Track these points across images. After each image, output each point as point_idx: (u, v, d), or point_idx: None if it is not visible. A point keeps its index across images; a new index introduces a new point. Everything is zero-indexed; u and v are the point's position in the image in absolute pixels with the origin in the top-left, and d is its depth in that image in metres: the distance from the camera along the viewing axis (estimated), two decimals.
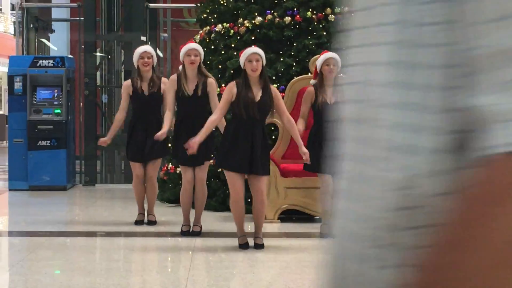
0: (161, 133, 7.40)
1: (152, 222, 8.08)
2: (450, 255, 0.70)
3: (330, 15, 9.23)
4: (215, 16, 9.93)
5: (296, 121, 7.11)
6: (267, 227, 8.08)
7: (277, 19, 9.30)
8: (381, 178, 0.81)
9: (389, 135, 0.80)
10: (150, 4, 12.39)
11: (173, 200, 9.63)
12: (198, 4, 10.73)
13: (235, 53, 8.80)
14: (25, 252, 6.90)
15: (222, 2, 9.81)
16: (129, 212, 9.09)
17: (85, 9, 12.28)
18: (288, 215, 8.37)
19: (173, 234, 7.77)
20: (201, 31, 10.25)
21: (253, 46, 7.03)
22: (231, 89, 6.76)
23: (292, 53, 9.13)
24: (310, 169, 7.47)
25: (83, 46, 12.44)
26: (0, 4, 36.57)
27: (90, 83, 12.09)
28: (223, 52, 9.41)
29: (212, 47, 9.62)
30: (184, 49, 7.45)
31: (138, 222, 8.15)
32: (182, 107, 7.50)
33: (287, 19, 9.24)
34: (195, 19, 11.14)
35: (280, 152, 8.51)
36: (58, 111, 11.18)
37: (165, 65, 13.82)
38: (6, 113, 16.50)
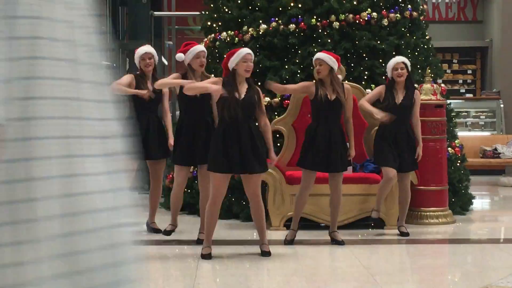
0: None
1: (156, 230, 8.04)
2: None
3: (334, 22, 9.24)
4: (220, 24, 9.94)
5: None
6: (273, 235, 8.07)
7: (282, 26, 9.30)
8: None
9: None
10: (155, 13, 12.42)
11: None
12: (203, 12, 10.74)
13: None
14: None
15: (226, 10, 9.82)
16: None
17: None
18: None
19: (179, 242, 7.77)
20: (205, 39, 10.26)
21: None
22: (216, 81, 6.82)
23: (297, 61, 9.13)
24: (301, 164, 7.50)
25: None
26: None
27: None
28: None
29: (217, 55, 9.64)
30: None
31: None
32: (184, 108, 7.52)
33: (292, 26, 9.25)
34: (199, 27, 11.15)
35: (285, 160, 8.51)
36: None
37: (170, 72, 13.81)
38: None
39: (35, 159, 0.72)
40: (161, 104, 8.15)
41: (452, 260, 7.41)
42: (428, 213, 8.78)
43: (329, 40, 9.20)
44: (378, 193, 8.07)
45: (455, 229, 8.67)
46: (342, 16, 9.26)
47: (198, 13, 11.79)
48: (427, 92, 8.83)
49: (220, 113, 6.75)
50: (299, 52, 9.18)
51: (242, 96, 6.68)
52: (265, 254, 6.94)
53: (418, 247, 7.72)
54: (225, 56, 7.07)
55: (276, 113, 8.99)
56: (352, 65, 9.21)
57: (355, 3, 9.35)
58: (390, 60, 8.15)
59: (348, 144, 7.53)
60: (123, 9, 12.68)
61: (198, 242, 7.44)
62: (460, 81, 18.96)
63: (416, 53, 9.62)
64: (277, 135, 8.85)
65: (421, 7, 10.04)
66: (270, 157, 6.88)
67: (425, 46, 9.85)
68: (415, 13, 9.75)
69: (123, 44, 12.88)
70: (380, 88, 8.16)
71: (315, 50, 8.67)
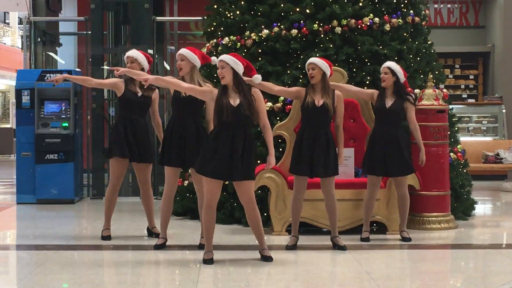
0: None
1: (158, 235, 8.02)
2: None
3: (336, 28, 9.24)
4: (222, 29, 9.95)
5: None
6: (275, 240, 8.07)
7: (284, 31, 9.31)
8: None
9: None
10: (157, 18, 12.42)
11: (181, 213, 9.64)
12: (205, 17, 10.75)
13: None
14: (33, 266, 6.90)
15: (228, 15, 9.83)
16: (137, 225, 9.10)
17: (93, 22, 12.32)
18: None
19: (181, 247, 7.77)
20: (208, 44, 10.28)
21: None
22: (212, 89, 6.96)
23: (299, 66, 9.13)
24: (293, 171, 7.54)
25: (90, 60, 12.47)
26: (7, 18, 36.73)
27: (98, 97, 12.12)
28: None
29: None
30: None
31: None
32: (175, 110, 7.53)
33: (294, 31, 9.26)
34: (202, 32, 11.15)
35: (287, 165, 8.50)
36: (66, 124, 11.21)
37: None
38: (14, 127, 16.52)
39: None
40: (151, 109, 8.16)
41: (454, 266, 7.40)
42: (430, 218, 8.77)
43: (331, 45, 9.20)
44: (364, 211, 8.15)
45: (457, 234, 8.66)
46: (344, 21, 9.26)
47: (200, 18, 11.82)
48: (429, 97, 8.83)
49: (214, 119, 6.82)
50: (301, 57, 9.18)
51: (236, 103, 6.70)
52: (266, 259, 6.94)
53: (420, 252, 7.71)
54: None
55: (278, 118, 8.99)
56: (354, 70, 9.21)
57: (357, 8, 9.35)
58: None
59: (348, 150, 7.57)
60: (125, 14, 12.66)
61: (200, 247, 7.45)
62: (462, 86, 18.96)
63: (418, 58, 9.62)
64: (279, 140, 8.85)
65: (423, 12, 10.04)
66: (267, 161, 6.88)
67: (427, 51, 9.85)
68: (417, 18, 9.75)
69: (125, 49, 12.87)
70: (374, 91, 8.22)
71: (317, 55, 8.67)
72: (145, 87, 7.91)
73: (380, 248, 7.84)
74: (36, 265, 6.93)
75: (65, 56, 16.07)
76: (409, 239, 8.05)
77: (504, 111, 15.69)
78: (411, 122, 8.05)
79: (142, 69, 8.03)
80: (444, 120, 8.89)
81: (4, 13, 36.19)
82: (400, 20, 9.50)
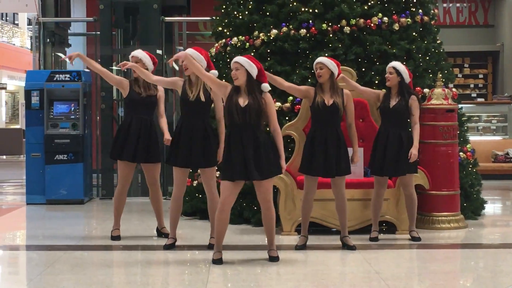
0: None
1: (167, 235, 8.02)
2: None
3: (345, 27, 9.23)
4: (231, 29, 9.95)
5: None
6: (284, 240, 8.07)
7: (292, 31, 9.30)
8: None
9: None
10: (166, 18, 12.43)
11: (190, 213, 9.65)
12: (214, 18, 10.75)
13: None
14: (43, 266, 6.92)
15: (237, 15, 9.83)
16: (146, 225, 9.11)
17: (101, 23, 12.34)
18: None
19: (190, 247, 7.77)
20: (216, 44, 10.28)
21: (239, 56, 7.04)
22: (227, 86, 6.93)
23: (308, 65, 9.12)
24: (305, 171, 7.54)
25: (99, 60, 12.48)
26: (16, 19, 36.84)
27: (107, 97, 12.13)
28: None
29: (228, 60, 9.64)
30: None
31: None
32: (184, 111, 7.54)
33: (303, 31, 9.25)
34: (210, 32, 11.15)
35: (296, 165, 8.49)
36: (75, 125, 11.23)
37: (181, 77, 13.78)
38: (24, 128, 16.57)
39: None
40: (157, 108, 8.17)
41: (464, 265, 7.38)
42: (439, 218, 8.76)
43: (340, 45, 9.19)
44: (372, 211, 8.15)
45: (467, 234, 8.64)
46: (353, 21, 9.25)
47: (209, 18, 11.81)
48: (438, 97, 8.81)
49: (225, 119, 6.88)
50: (310, 57, 9.17)
51: (244, 103, 6.72)
52: (273, 259, 6.95)
53: (430, 252, 7.70)
54: None
55: (287, 118, 8.99)
56: (363, 70, 9.19)
57: (366, 8, 9.34)
58: None
59: (352, 149, 7.57)
60: (134, 15, 12.67)
61: (210, 247, 7.45)
62: (472, 86, 18.93)
63: (427, 58, 9.60)
64: (288, 140, 8.84)
65: (432, 11, 10.02)
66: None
67: (436, 51, 9.82)
68: (426, 18, 9.73)
69: (134, 49, 12.88)
70: (380, 92, 8.24)
71: (326, 55, 8.66)
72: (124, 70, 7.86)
73: (389, 248, 7.83)
74: (46, 265, 6.94)
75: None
76: (418, 239, 8.04)
77: None
78: (413, 121, 8.02)
79: (147, 70, 8.04)
80: (453, 119, 8.87)
81: (13, 14, 36.31)
82: (409, 19, 9.48)
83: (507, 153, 13.62)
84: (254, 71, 6.80)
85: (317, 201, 8.07)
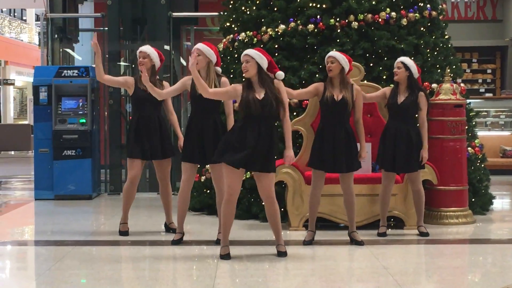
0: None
1: (175, 230, 8.02)
2: None
3: (353, 22, 9.22)
4: (238, 24, 9.95)
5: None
6: (292, 235, 8.08)
7: (300, 26, 9.29)
8: None
9: None
10: (174, 13, 12.43)
11: (198, 208, 9.66)
12: (221, 13, 10.75)
13: None
14: (52, 261, 6.94)
15: (245, 10, 9.83)
16: (154, 221, 9.12)
17: (109, 19, 12.34)
18: None
19: (198, 243, 7.78)
20: (224, 40, 10.27)
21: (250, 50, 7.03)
22: (235, 87, 6.89)
23: (316, 61, 9.12)
24: (309, 164, 7.54)
25: (107, 56, 12.49)
26: (24, 15, 36.91)
27: (115, 93, 12.14)
28: None
29: (236, 55, 9.64)
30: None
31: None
32: (194, 106, 7.54)
33: (310, 26, 9.24)
34: (218, 28, 11.16)
35: (304, 160, 8.49)
36: (83, 120, 11.25)
37: (189, 73, 13.78)
38: (32, 123, 16.62)
39: None
40: (164, 104, 8.16)
41: (472, 261, 7.37)
42: (448, 213, 8.75)
43: (347, 40, 9.18)
44: (380, 206, 8.14)
45: (475, 229, 8.63)
46: (360, 16, 9.24)
47: (216, 13, 11.80)
48: (446, 92, 8.79)
49: (240, 113, 6.83)
50: (318, 52, 9.17)
51: (261, 96, 6.72)
52: (281, 254, 6.96)
53: (438, 247, 7.69)
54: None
55: (295, 114, 8.98)
56: (371, 65, 9.19)
57: (374, 3, 9.33)
58: None
59: (359, 144, 7.57)
60: (142, 11, 12.67)
61: (218, 242, 7.46)
62: (480, 81, 18.89)
63: (436, 53, 9.58)
64: (296, 135, 8.84)
65: (440, 6, 9.99)
66: (284, 155, 6.88)
67: (444, 46, 9.80)
68: (434, 13, 9.71)
69: (141, 45, 12.89)
70: (385, 89, 8.22)
71: (334, 50, 8.64)
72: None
73: (397, 243, 7.83)
74: (54, 260, 6.96)
75: (82, 52, 16.14)
76: (426, 234, 8.04)
77: None
78: (420, 118, 8.00)
79: (154, 66, 8.04)
80: (461, 114, 8.86)
81: (21, 10, 36.37)
82: (417, 14, 9.46)
83: None
84: (264, 63, 6.81)
85: (325, 196, 8.08)
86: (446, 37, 9.98)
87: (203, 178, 9.57)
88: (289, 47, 9.34)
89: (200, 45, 7.42)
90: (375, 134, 8.60)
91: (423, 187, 8.17)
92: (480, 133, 11.21)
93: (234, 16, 10.10)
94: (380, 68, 9.14)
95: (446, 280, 6.27)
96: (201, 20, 15.88)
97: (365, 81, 8.90)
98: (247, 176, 8.69)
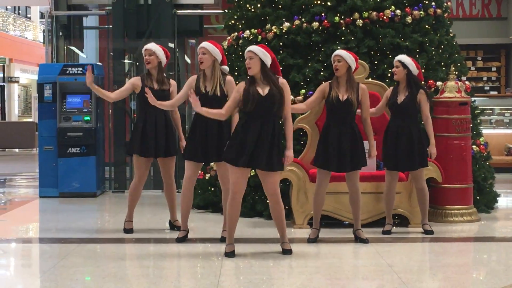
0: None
1: (179, 228, 8.02)
2: None
3: (358, 20, 9.21)
4: (243, 22, 9.94)
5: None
6: (297, 233, 8.08)
7: (305, 24, 9.29)
8: None
9: None
10: (178, 11, 12.42)
11: (202, 206, 9.66)
12: (226, 11, 10.74)
13: None
14: (56, 259, 6.95)
15: (249, 8, 9.82)
16: (159, 218, 9.13)
17: (114, 16, 12.34)
18: None
19: (203, 240, 7.79)
20: (229, 37, 10.27)
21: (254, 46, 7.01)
22: (238, 88, 6.86)
23: (320, 58, 9.11)
24: (314, 163, 7.54)
25: (111, 54, 12.50)
26: (29, 12, 36.93)
27: None
28: None
29: (240, 53, 9.64)
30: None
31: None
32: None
33: (315, 24, 9.23)
34: (222, 26, 11.15)
35: (309, 158, 8.50)
36: (88, 118, 11.25)
37: (193, 71, 13.82)
38: (36, 121, 16.62)
39: None
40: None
41: (476, 258, 7.37)
42: (452, 211, 8.74)
43: (352, 38, 9.17)
44: (385, 204, 8.14)
45: (480, 227, 8.62)
46: (365, 14, 9.23)
47: (221, 11, 11.81)
48: (451, 90, 8.78)
49: (242, 109, 6.81)
50: (323, 50, 9.16)
51: (264, 93, 6.70)
52: (286, 252, 6.96)
53: (443, 245, 7.69)
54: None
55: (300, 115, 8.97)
56: (376, 62, 9.18)
57: (378, 0, 9.32)
58: None
59: (367, 143, 7.56)
60: (146, 8, 12.66)
61: (222, 240, 7.46)
62: (485, 79, 18.86)
63: (440, 51, 9.57)
64: (300, 133, 8.84)
65: (445, 4, 9.98)
66: (285, 155, 6.84)
67: (449, 44, 9.79)
68: (439, 10, 9.69)
69: (146, 43, 12.89)
70: (386, 93, 8.22)
71: (339, 48, 8.64)
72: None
73: (402, 241, 7.82)
74: (59, 258, 6.97)
75: (86, 50, 16.12)
76: (431, 232, 8.03)
77: None
78: (423, 115, 8.00)
79: (160, 63, 8.03)
80: (466, 112, 8.85)
81: (26, 7, 36.41)
82: (422, 12, 9.45)
83: None
84: (268, 60, 6.79)
85: (330, 194, 8.07)
86: (451, 35, 9.96)
87: (207, 175, 9.57)
88: (294, 44, 9.34)
89: (205, 44, 7.41)
90: (380, 132, 8.59)
91: (427, 185, 8.16)
92: (485, 131, 11.19)
93: (238, 13, 10.09)
94: (385, 66, 9.13)
95: (450, 278, 6.27)
96: (206, 18, 15.85)
97: (370, 79, 8.89)
98: (252, 174, 8.68)
